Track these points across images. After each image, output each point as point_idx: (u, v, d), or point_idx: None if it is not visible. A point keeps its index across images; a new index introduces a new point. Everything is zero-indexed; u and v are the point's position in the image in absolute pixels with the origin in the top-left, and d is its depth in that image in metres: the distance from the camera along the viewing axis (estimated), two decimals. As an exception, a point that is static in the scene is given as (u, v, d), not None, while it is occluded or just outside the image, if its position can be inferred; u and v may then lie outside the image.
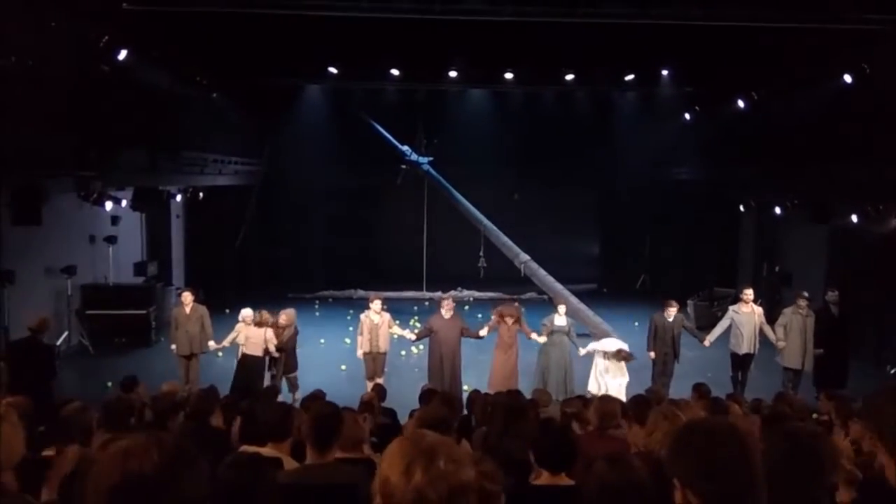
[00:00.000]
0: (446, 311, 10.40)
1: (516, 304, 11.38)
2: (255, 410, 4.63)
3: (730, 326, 10.97)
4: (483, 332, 10.68)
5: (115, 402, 5.55)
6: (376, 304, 10.46)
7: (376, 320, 10.39)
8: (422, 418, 4.41)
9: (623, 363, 10.49)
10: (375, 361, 10.42)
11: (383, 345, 10.46)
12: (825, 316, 10.81)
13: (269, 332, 10.07)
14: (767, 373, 11.21)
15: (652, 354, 10.99)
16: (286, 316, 10.54)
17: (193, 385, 10.12)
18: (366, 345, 10.38)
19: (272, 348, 10.06)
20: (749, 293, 11.02)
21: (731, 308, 11.20)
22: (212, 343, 10.59)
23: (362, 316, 10.57)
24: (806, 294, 10.84)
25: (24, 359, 8.40)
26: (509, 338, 10.54)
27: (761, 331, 10.88)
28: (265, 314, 10.21)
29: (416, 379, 10.65)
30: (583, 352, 10.81)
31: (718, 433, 1.87)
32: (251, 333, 10.05)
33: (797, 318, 10.66)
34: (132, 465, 1.54)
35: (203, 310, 10.71)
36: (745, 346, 10.83)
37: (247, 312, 10.21)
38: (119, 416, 5.34)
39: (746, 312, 10.87)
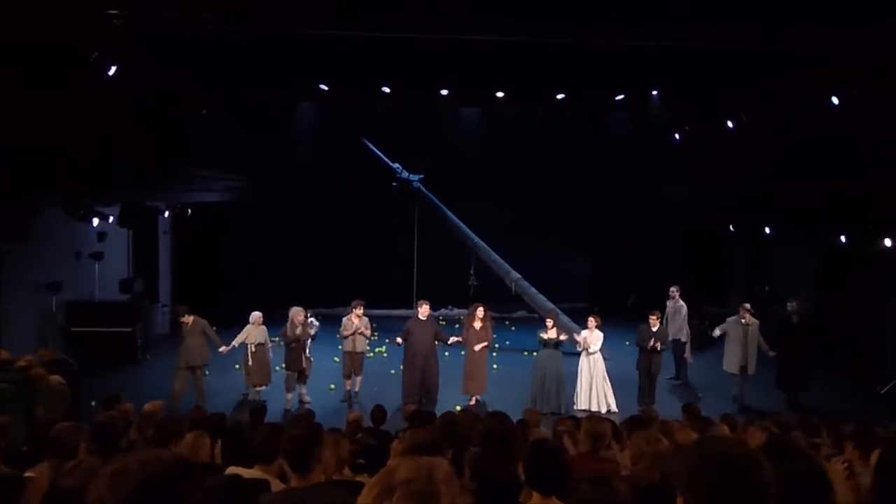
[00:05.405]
0: (422, 314, 11.33)
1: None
2: (242, 431, 4.53)
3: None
4: (451, 340, 11.42)
5: (104, 423, 5.45)
6: (359, 310, 11.66)
7: (357, 323, 11.58)
8: (412, 441, 4.34)
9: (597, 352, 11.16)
10: (353, 360, 11.63)
11: (360, 345, 11.68)
12: (785, 323, 11.64)
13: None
14: (765, 387, 11.56)
15: (652, 343, 11.17)
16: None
17: (201, 398, 10.70)
18: (348, 345, 11.55)
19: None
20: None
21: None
22: (223, 348, 11.27)
23: (344, 319, 11.69)
24: (748, 306, 11.59)
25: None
26: (476, 341, 11.19)
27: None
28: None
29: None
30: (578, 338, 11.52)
31: (735, 458, 1.78)
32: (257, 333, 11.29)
33: (738, 327, 11.44)
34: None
35: (204, 322, 11.13)
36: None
37: (256, 315, 11.44)
38: (108, 437, 5.24)
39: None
